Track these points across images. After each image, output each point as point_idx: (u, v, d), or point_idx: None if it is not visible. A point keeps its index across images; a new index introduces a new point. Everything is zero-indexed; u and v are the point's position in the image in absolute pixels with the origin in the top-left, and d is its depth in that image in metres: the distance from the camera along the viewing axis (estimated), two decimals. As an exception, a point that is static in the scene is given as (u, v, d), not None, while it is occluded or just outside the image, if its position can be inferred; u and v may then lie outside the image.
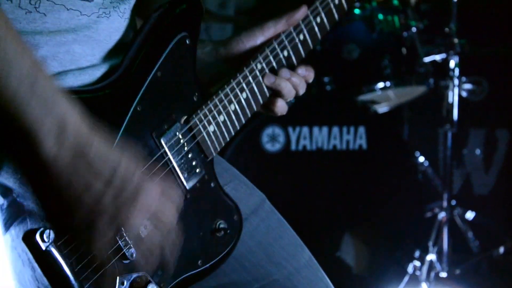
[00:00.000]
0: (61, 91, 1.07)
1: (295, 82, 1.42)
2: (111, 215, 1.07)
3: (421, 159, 3.63)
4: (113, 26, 1.24)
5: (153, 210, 1.11)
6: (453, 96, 3.49)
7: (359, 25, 3.41)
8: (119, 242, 1.13)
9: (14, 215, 1.07)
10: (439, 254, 3.47)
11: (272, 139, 3.25)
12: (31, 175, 1.07)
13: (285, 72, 1.41)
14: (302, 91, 1.44)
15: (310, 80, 1.45)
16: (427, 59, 3.45)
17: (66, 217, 1.09)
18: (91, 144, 1.06)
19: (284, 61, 1.42)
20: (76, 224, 1.08)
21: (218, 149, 1.33)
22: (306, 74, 1.43)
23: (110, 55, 1.24)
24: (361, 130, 3.32)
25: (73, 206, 1.07)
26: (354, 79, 3.42)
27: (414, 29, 3.43)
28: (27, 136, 1.03)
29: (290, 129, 3.27)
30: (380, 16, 3.40)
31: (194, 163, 1.28)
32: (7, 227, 1.06)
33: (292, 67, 1.43)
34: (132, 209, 1.08)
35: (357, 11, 3.39)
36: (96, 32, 1.22)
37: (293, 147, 3.27)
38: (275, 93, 1.42)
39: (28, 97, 1.02)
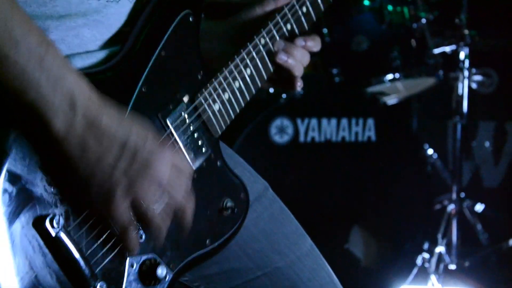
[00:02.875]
0: (69, 66, 1.07)
1: (293, 53, 1.39)
2: (124, 186, 1.08)
3: (430, 151, 3.62)
4: (122, 11, 1.24)
5: (165, 181, 1.11)
6: (463, 88, 3.48)
7: (368, 17, 3.39)
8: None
9: (24, 202, 1.07)
10: (448, 246, 3.46)
11: (280, 131, 3.24)
12: (42, 153, 1.07)
13: (280, 44, 1.39)
14: (305, 62, 1.41)
15: (315, 49, 1.42)
16: (436, 51, 3.43)
17: (79, 194, 1.10)
18: (101, 117, 1.07)
19: (287, 35, 1.40)
20: (90, 199, 1.09)
21: (224, 128, 1.33)
22: (304, 44, 1.41)
23: (118, 39, 1.24)
24: (370, 122, 3.31)
25: (86, 181, 1.08)
26: (363, 71, 3.41)
27: (424, 21, 3.41)
28: (37, 113, 1.04)
29: (298, 121, 3.26)
30: (390, 8, 3.38)
31: (200, 142, 1.28)
32: (17, 214, 1.06)
33: (295, 40, 1.41)
34: (144, 180, 1.09)
35: (366, 2, 3.38)
36: (105, 16, 1.22)
37: (301, 139, 3.27)
38: (285, 70, 1.41)
39: (36, 74, 1.02)
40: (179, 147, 1.25)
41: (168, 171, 1.12)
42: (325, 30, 3.37)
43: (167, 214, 1.15)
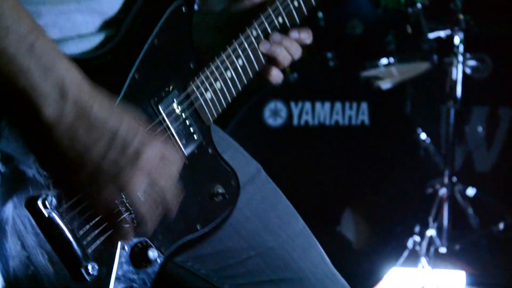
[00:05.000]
0: (60, 54, 1.07)
1: (287, 46, 1.41)
2: (113, 176, 1.08)
3: (423, 135, 3.64)
4: None
5: (154, 170, 1.12)
6: (457, 73, 3.49)
7: (363, 1, 3.39)
8: (119, 207, 1.15)
9: (16, 182, 1.08)
10: (439, 229, 3.49)
11: (274, 114, 3.25)
12: (32, 139, 1.08)
13: (276, 36, 1.41)
14: (296, 55, 1.43)
15: (307, 42, 1.44)
16: (431, 36, 3.44)
17: (69, 180, 1.10)
18: (91, 106, 1.07)
19: (279, 28, 1.42)
20: (78, 186, 1.10)
21: (216, 116, 1.34)
22: (299, 37, 1.43)
23: (111, 24, 1.25)
24: (364, 106, 3.32)
25: (74, 169, 1.08)
26: (357, 55, 3.41)
27: (419, 5, 3.41)
28: (27, 100, 1.04)
29: (292, 104, 3.27)
30: (385, -8, 3.38)
31: (191, 129, 1.29)
32: (9, 194, 1.07)
33: (287, 33, 1.43)
34: (132, 170, 1.09)
35: (361, -14, 3.38)
36: (98, 3, 1.22)
37: (295, 122, 3.28)
38: (270, 60, 1.42)
39: (26, 61, 1.02)
40: (171, 134, 1.26)
41: (157, 163, 1.12)
42: (320, 14, 3.36)
43: (155, 203, 1.15)
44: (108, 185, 1.09)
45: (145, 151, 1.09)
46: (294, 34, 1.42)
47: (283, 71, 1.45)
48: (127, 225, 1.15)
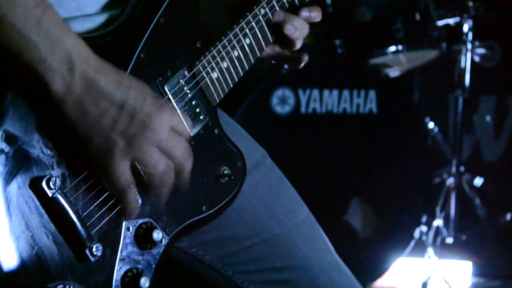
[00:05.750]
0: (67, 28, 1.07)
1: (296, 24, 1.39)
2: (123, 147, 1.09)
3: (431, 124, 3.62)
4: None
5: (163, 142, 1.11)
6: (466, 61, 3.46)
7: (372, -12, 3.36)
8: (130, 181, 1.13)
9: (20, 162, 1.07)
10: (446, 219, 3.48)
11: (282, 101, 3.24)
12: (40, 114, 1.08)
13: (279, 15, 1.38)
14: (305, 33, 1.41)
15: (317, 19, 1.42)
16: (440, 23, 3.41)
17: (77, 155, 1.10)
18: (99, 79, 1.07)
19: (287, 5, 1.41)
20: (89, 160, 1.10)
21: (222, 96, 1.33)
22: (309, 15, 1.41)
23: (116, 3, 1.24)
24: (372, 94, 3.30)
25: (84, 142, 1.08)
26: (365, 42, 3.39)
27: (428, -8, 3.38)
28: (35, 75, 1.04)
29: (300, 92, 3.25)
30: (394, -21, 3.35)
31: (197, 110, 1.28)
32: (13, 174, 1.07)
33: (295, 11, 1.41)
34: (142, 141, 1.09)
35: (370, -27, 3.35)
36: None
37: (303, 109, 3.26)
38: (280, 40, 1.40)
39: (34, 36, 1.02)
40: (177, 114, 1.24)
41: (166, 133, 1.12)
42: (328, 0, 3.34)
43: (167, 174, 1.15)
44: (119, 156, 1.09)
45: (154, 120, 1.10)
46: (305, 12, 1.40)
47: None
48: (135, 201, 1.14)
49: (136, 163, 1.12)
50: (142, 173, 1.15)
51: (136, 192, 1.15)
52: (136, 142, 1.09)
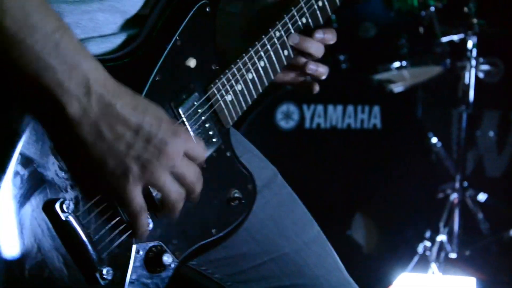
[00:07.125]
0: (85, 51, 1.08)
1: (309, 46, 1.39)
2: (137, 172, 1.09)
3: (435, 140, 3.62)
4: None
5: (179, 164, 1.12)
6: (470, 77, 3.47)
7: (376, 3, 3.38)
8: (143, 205, 1.13)
9: (35, 185, 1.08)
10: (450, 235, 3.47)
11: (286, 116, 3.24)
12: (55, 138, 1.08)
13: (294, 38, 1.39)
14: (320, 54, 1.42)
15: (331, 42, 1.42)
16: (444, 39, 3.42)
17: (92, 179, 1.11)
18: (115, 103, 1.08)
19: (302, 28, 1.40)
20: (103, 184, 1.10)
21: (235, 118, 1.33)
22: (323, 37, 1.41)
23: (132, 24, 1.25)
24: (376, 109, 3.31)
25: (99, 166, 1.09)
26: (370, 58, 3.40)
27: (432, 9, 3.39)
28: (52, 98, 1.05)
29: (304, 107, 3.26)
30: (399, -5, 3.37)
31: (211, 132, 1.29)
32: (27, 196, 1.07)
33: (309, 34, 1.41)
34: (156, 167, 1.10)
35: (375, -12, 3.36)
36: (120, 2, 1.22)
37: (307, 124, 3.27)
38: (295, 66, 1.41)
39: (52, 60, 1.04)
40: (191, 138, 1.23)
41: (180, 159, 1.12)
42: (333, 16, 3.35)
43: (179, 200, 1.15)
44: (132, 180, 1.09)
45: (168, 146, 1.10)
46: (319, 34, 1.41)
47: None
48: (146, 225, 1.15)
49: (150, 186, 1.13)
50: (154, 197, 1.15)
51: (148, 216, 1.15)
52: (150, 167, 1.10)
